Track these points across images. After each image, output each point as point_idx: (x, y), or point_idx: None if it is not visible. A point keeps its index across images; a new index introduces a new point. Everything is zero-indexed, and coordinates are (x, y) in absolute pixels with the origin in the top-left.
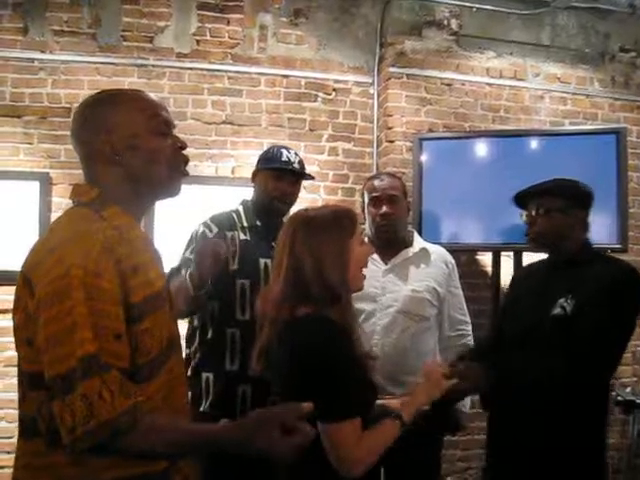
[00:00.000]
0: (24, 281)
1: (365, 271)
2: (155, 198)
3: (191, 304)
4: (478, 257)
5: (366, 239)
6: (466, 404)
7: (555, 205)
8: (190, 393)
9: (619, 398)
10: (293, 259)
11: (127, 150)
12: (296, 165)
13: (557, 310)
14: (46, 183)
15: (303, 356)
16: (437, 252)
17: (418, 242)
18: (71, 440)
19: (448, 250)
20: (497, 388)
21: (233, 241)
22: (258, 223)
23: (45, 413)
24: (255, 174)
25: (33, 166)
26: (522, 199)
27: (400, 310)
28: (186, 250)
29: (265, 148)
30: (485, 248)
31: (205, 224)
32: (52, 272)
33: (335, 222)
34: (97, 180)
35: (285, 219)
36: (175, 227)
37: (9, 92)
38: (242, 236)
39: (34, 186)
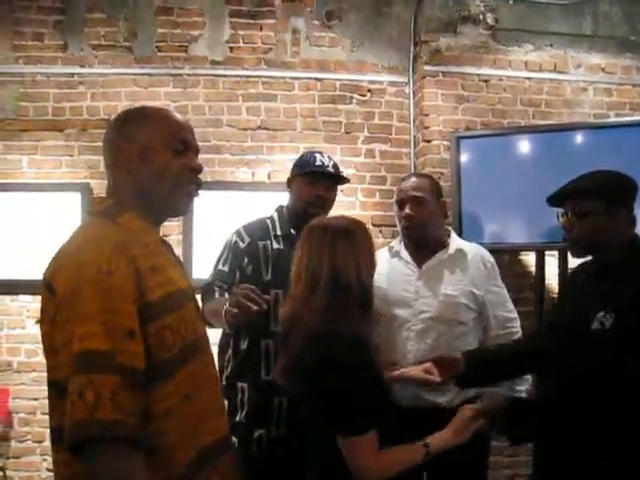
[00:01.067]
0: (47, 288)
1: (395, 274)
2: (161, 213)
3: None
4: (521, 257)
5: (401, 243)
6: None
7: (593, 208)
8: (227, 402)
9: None
10: (331, 267)
11: (139, 160)
12: (330, 169)
13: (596, 325)
14: (87, 193)
15: (325, 370)
16: (474, 252)
17: (455, 243)
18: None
19: (490, 250)
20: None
21: (265, 251)
22: (292, 232)
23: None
24: (290, 181)
25: (74, 177)
26: (556, 200)
27: (434, 316)
28: (219, 261)
29: (301, 152)
30: (528, 248)
31: (238, 233)
32: (68, 274)
33: (366, 233)
34: (114, 187)
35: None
36: (213, 233)
37: (51, 107)
38: (275, 245)
39: (76, 197)
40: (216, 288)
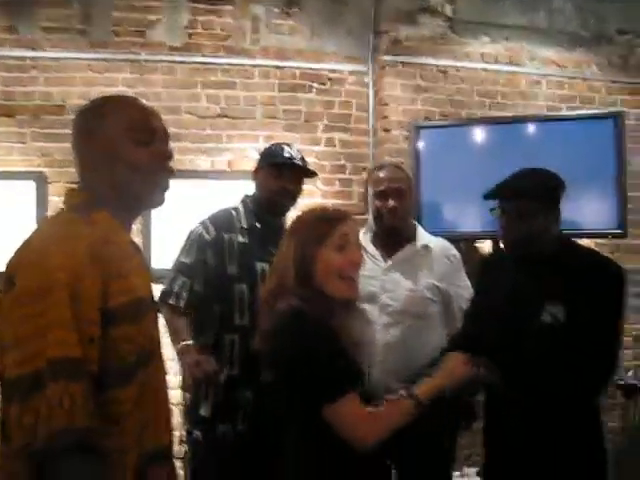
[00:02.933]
0: (7, 281)
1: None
2: (137, 208)
3: None
4: (477, 245)
5: (368, 234)
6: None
7: (534, 209)
8: (190, 397)
9: (620, 382)
10: (280, 254)
11: (108, 159)
12: (298, 161)
13: (546, 318)
14: (42, 182)
15: (286, 344)
16: (439, 247)
17: (421, 238)
18: (26, 444)
19: (447, 239)
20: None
21: (231, 244)
22: (257, 225)
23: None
24: (257, 172)
25: (28, 165)
26: (496, 195)
27: (399, 310)
28: (182, 253)
29: (261, 141)
30: (484, 236)
31: (203, 224)
32: (34, 271)
33: (304, 226)
34: (88, 181)
35: (285, 218)
36: (172, 222)
37: (1, 91)
38: (240, 239)
39: (30, 186)
40: (174, 292)
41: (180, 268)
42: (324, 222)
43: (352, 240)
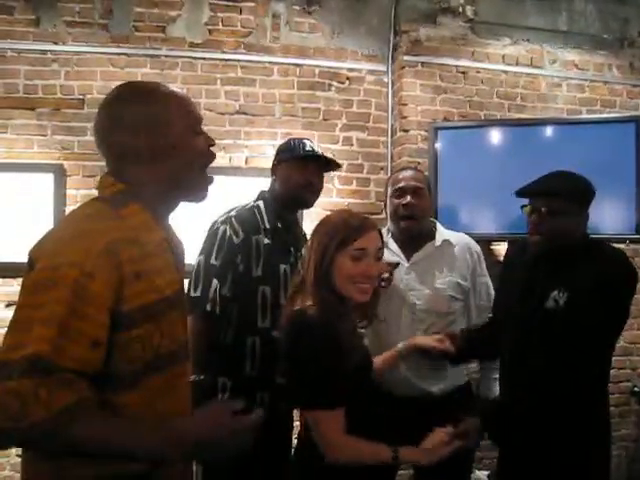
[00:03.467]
0: (29, 265)
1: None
2: (183, 200)
3: None
4: (493, 247)
5: (389, 234)
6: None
7: (566, 208)
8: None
9: (636, 389)
10: (304, 254)
11: (167, 150)
12: (319, 155)
13: (550, 303)
14: (60, 175)
15: (291, 346)
16: (461, 242)
17: (440, 234)
18: None
19: None
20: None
21: (258, 247)
22: (279, 224)
23: None
24: (276, 167)
25: (47, 158)
26: (525, 195)
27: (423, 309)
28: (209, 254)
29: (279, 138)
30: (500, 238)
31: (231, 225)
32: (47, 261)
33: (329, 230)
34: (127, 177)
35: (300, 216)
36: (189, 218)
37: (22, 84)
38: (265, 240)
39: (48, 178)
40: (210, 298)
41: (212, 271)
42: (347, 229)
43: (370, 252)
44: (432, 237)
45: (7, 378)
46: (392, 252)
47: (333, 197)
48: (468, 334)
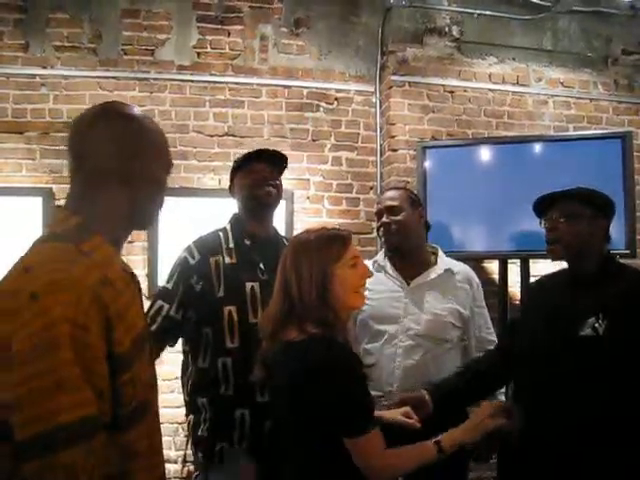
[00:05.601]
0: None
1: (383, 290)
2: (138, 227)
3: None
4: (484, 265)
5: (385, 257)
6: None
7: (582, 212)
8: (192, 417)
9: None
10: (283, 281)
11: (147, 178)
12: (261, 151)
13: (587, 331)
14: (49, 199)
15: (316, 376)
16: (462, 272)
17: (443, 262)
18: None
19: (454, 259)
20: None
21: (217, 267)
22: (246, 242)
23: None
24: (232, 185)
25: (36, 182)
26: (542, 205)
27: (421, 334)
28: (169, 280)
29: None
30: (491, 256)
31: (188, 249)
32: (35, 323)
33: (318, 247)
34: (90, 202)
35: (277, 234)
36: (179, 240)
37: (11, 108)
38: (227, 260)
39: (37, 202)
40: (148, 315)
41: (159, 293)
42: (338, 241)
43: (359, 255)
44: (434, 263)
45: (51, 453)
46: (390, 276)
47: (323, 217)
48: (437, 393)
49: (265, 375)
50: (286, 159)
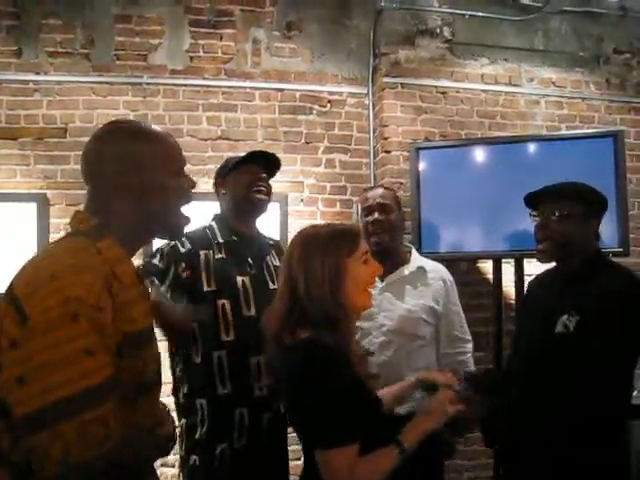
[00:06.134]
0: (15, 307)
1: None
2: (158, 236)
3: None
4: (479, 265)
5: None
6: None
7: (573, 210)
8: (185, 421)
9: None
10: (289, 278)
11: (152, 190)
12: (257, 153)
13: (559, 328)
14: (43, 204)
15: (298, 383)
16: (434, 270)
17: (415, 260)
18: (54, 473)
19: (448, 259)
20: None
21: (207, 261)
22: (235, 238)
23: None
24: (220, 184)
25: (30, 187)
26: (534, 199)
27: (394, 329)
28: (153, 256)
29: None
30: (486, 256)
31: (179, 240)
32: (52, 300)
33: (331, 241)
34: (105, 210)
35: (262, 235)
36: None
37: (4, 114)
38: (217, 255)
39: (32, 207)
40: (153, 278)
41: (150, 267)
42: (350, 235)
43: (369, 251)
44: (407, 262)
45: (68, 417)
46: None
47: (317, 219)
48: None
49: (274, 381)
50: (279, 162)
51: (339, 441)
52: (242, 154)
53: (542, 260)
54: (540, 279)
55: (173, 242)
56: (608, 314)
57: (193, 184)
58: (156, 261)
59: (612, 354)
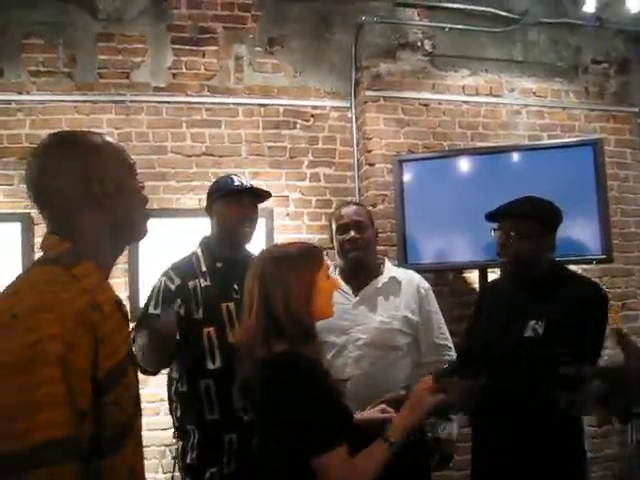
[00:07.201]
0: None
1: (333, 303)
2: (129, 242)
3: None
4: (465, 275)
5: (336, 270)
6: (453, 431)
7: (532, 230)
8: (181, 444)
9: None
10: (262, 295)
11: (117, 194)
12: (248, 187)
13: (529, 333)
14: (28, 224)
15: (282, 395)
16: (407, 278)
17: (388, 270)
18: None
19: (434, 270)
20: (484, 401)
21: (195, 290)
22: (218, 265)
23: None
24: (210, 207)
25: (14, 207)
26: (494, 216)
27: (370, 343)
28: (148, 305)
29: (247, 178)
30: (471, 266)
31: (167, 275)
32: (22, 340)
33: (302, 258)
34: (71, 229)
35: (246, 253)
36: (159, 261)
37: None
38: (203, 283)
39: (16, 227)
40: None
41: (149, 320)
42: (317, 253)
43: (340, 268)
44: (380, 273)
45: (29, 470)
46: (340, 290)
47: (303, 233)
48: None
49: (247, 399)
50: (269, 195)
51: (331, 443)
52: (233, 177)
53: (504, 269)
54: (496, 286)
55: (163, 280)
56: (579, 318)
57: (141, 184)
58: (152, 309)
59: (580, 355)
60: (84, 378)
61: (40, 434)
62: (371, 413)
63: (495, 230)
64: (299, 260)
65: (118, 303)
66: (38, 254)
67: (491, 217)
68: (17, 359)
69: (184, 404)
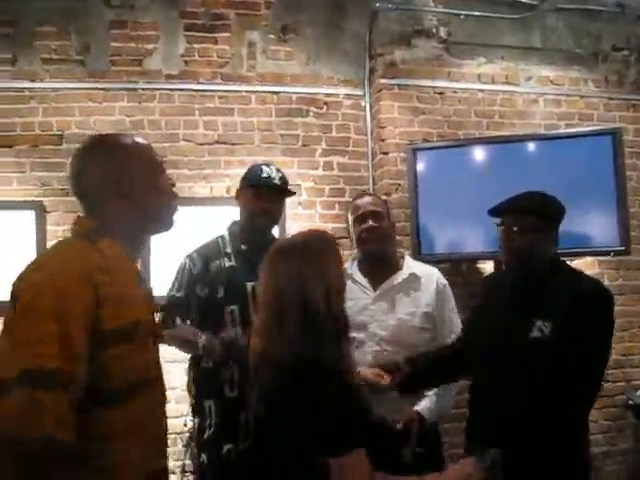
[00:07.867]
0: (11, 300)
1: (352, 298)
2: (155, 232)
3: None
4: (479, 265)
5: (354, 264)
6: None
7: (533, 225)
8: (198, 421)
9: (630, 402)
10: (298, 293)
11: (147, 189)
12: (276, 181)
13: (535, 333)
14: (40, 211)
15: (312, 402)
16: (427, 275)
17: (408, 266)
18: None
19: (448, 260)
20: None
21: (219, 270)
22: (243, 247)
23: None
24: (238, 194)
25: (26, 195)
26: (497, 213)
27: (388, 339)
28: (173, 287)
29: None
30: (485, 256)
31: (190, 258)
32: (29, 290)
33: (331, 248)
34: (101, 215)
35: (272, 237)
36: (171, 249)
37: (0, 122)
38: (227, 263)
39: (29, 215)
40: (176, 316)
41: (174, 302)
42: (336, 243)
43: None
44: (399, 268)
45: (8, 392)
46: (359, 284)
47: (316, 221)
48: (412, 365)
49: (268, 409)
50: (293, 193)
51: (354, 445)
52: (264, 167)
53: (506, 263)
54: (497, 280)
55: (186, 264)
56: (585, 318)
57: (173, 182)
58: (174, 292)
59: (589, 356)
60: (77, 324)
61: (31, 362)
62: (367, 372)
63: (498, 225)
64: (327, 247)
65: (143, 281)
66: (51, 241)
67: (493, 213)
68: (23, 307)
69: (206, 380)
